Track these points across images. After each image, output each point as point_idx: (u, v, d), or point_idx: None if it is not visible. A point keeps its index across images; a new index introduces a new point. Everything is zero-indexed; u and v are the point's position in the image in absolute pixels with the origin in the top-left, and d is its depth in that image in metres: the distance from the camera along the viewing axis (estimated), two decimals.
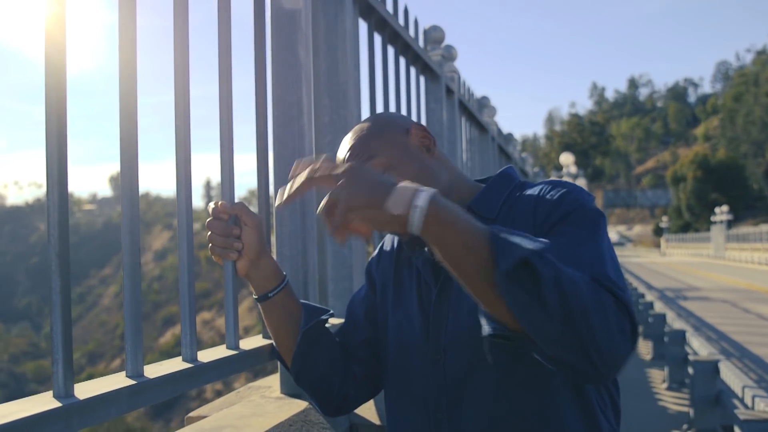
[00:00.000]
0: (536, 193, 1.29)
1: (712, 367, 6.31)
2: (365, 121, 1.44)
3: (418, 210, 1.01)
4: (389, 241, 1.57)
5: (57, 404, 0.99)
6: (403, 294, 1.43)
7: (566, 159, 29.40)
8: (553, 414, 1.24)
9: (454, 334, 1.29)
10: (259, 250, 1.44)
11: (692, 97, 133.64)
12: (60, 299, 1.03)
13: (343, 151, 1.41)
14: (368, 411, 1.81)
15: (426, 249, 1.39)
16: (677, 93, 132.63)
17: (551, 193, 1.26)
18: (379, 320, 1.50)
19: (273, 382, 1.97)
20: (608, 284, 1.05)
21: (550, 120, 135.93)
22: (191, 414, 1.79)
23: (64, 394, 1.03)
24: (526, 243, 0.99)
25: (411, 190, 1.03)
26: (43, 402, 1.00)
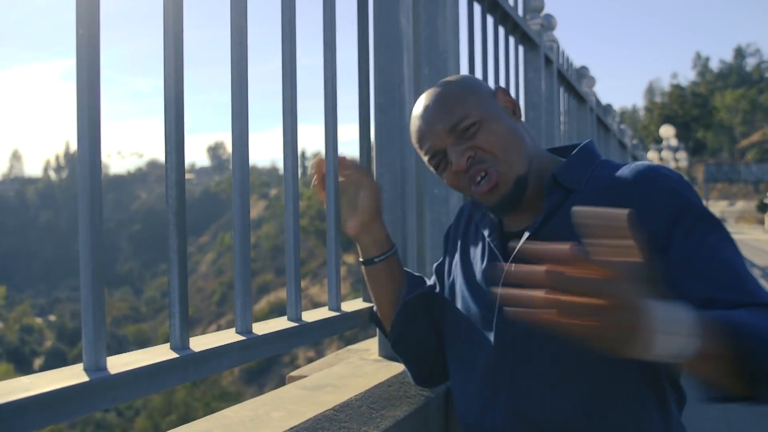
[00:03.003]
0: (632, 180, 1.23)
1: None
2: (446, 82, 1.40)
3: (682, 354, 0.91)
4: (458, 212, 1.58)
5: (174, 355, 1.05)
6: (467, 265, 1.44)
7: (666, 131, 28.56)
8: (623, 399, 1.22)
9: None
10: (373, 215, 1.48)
11: None
12: (177, 257, 1.09)
13: (431, 110, 1.35)
14: None
15: (493, 216, 1.39)
16: None
17: (657, 189, 1.19)
18: (447, 289, 1.51)
19: (371, 345, 2.02)
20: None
21: (650, 91, 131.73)
22: (292, 373, 1.86)
23: (180, 346, 1.09)
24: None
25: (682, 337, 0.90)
26: (162, 353, 1.06)
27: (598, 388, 1.22)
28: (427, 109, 1.36)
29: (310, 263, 63.73)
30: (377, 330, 1.89)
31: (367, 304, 1.69)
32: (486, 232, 1.39)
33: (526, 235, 1.28)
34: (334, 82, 1.57)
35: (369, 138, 1.76)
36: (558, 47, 4.05)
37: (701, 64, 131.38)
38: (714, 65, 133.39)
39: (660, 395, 1.25)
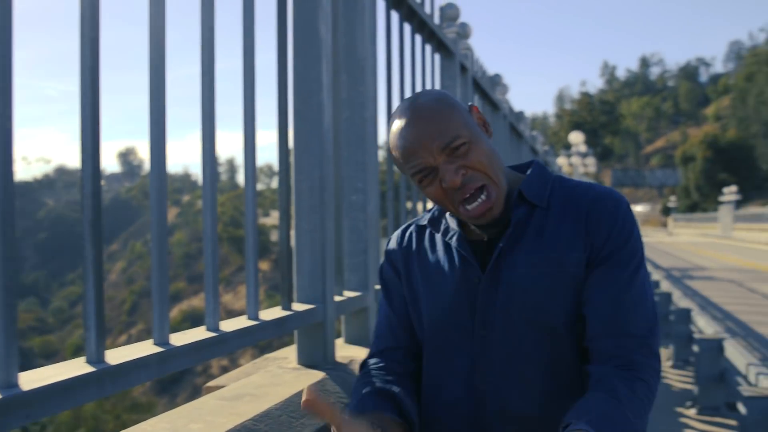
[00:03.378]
0: (589, 199, 1.37)
1: (717, 346, 6.32)
2: (431, 99, 1.38)
3: None
4: (396, 238, 1.56)
5: (90, 369, 1.03)
6: (435, 277, 1.45)
7: (576, 138, 29.30)
8: None
9: (506, 311, 1.33)
10: None
11: (704, 77, 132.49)
12: (93, 268, 1.06)
13: (422, 128, 1.34)
14: None
15: (446, 221, 1.43)
16: (689, 72, 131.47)
17: (608, 210, 1.35)
18: (410, 309, 1.50)
19: (289, 353, 2.01)
20: (651, 346, 1.28)
21: (560, 99, 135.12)
22: (209, 384, 1.83)
23: (96, 359, 1.07)
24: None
25: None
26: (77, 367, 1.03)
27: (564, 385, 1.33)
28: (417, 126, 1.35)
29: (224, 270, 62.71)
30: (295, 337, 1.89)
31: (286, 312, 1.68)
32: (455, 244, 1.42)
33: (500, 246, 1.36)
34: (253, 89, 1.56)
35: (287, 144, 1.76)
36: (472, 55, 4.12)
37: (609, 72, 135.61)
38: (621, 74, 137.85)
39: None
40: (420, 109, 1.36)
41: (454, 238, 1.43)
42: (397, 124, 1.38)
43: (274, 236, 64.86)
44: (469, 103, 1.42)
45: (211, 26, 1.40)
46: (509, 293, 1.33)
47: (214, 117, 1.40)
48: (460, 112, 1.37)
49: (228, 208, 58.04)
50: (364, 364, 1.47)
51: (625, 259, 1.33)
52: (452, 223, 1.46)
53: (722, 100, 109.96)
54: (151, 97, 1.22)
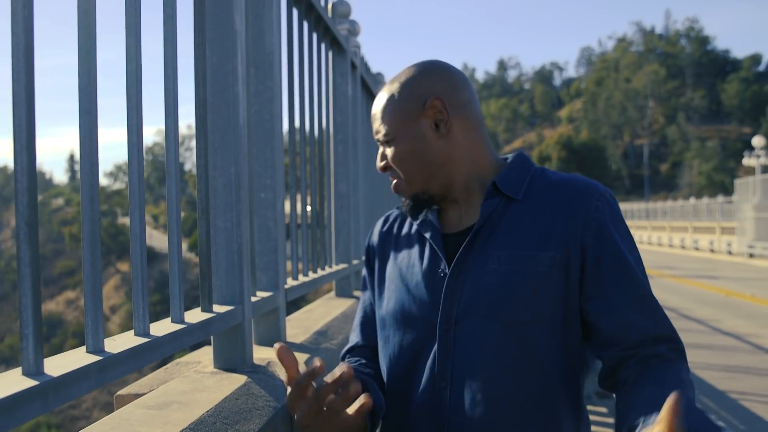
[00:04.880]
0: (570, 193, 1.34)
1: None
2: (398, 82, 1.45)
3: None
4: (381, 222, 1.58)
5: (33, 382, 0.93)
6: (404, 267, 1.44)
7: None
8: (549, 398, 1.31)
9: (470, 307, 1.31)
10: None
11: (557, 81, 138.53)
12: (30, 271, 0.97)
13: (373, 109, 1.47)
14: None
15: (426, 212, 1.43)
16: (544, 76, 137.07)
17: (592, 206, 1.31)
18: (376, 296, 1.49)
19: (202, 357, 1.92)
20: (677, 340, 1.27)
21: None
22: (121, 392, 1.72)
23: (36, 371, 0.97)
24: None
25: None
26: (16, 380, 0.94)
27: (528, 388, 1.29)
28: (375, 102, 1.48)
29: (81, 272, 59.96)
30: (211, 339, 1.81)
31: (207, 314, 1.60)
32: (428, 234, 1.40)
33: (466, 240, 1.35)
34: (175, 79, 1.48)
35: (206, 140, 1.68)
36: (360, 53, 4.11)
37: (468, 74, 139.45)
38: (480, 76, 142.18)
39: (575, 394, 1.35)
40: (385, 88, 1.46)
41: (428, 228, 1.42)
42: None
43: None
44: (430, 98, 1.39)
45: (137, 12, 1.31)
46: (475, 289, 1.31)
47: (141, 109, 1.31)
48: (406, 106, 1.39)
49: None
50: (343, 357, 1.55)
51: (625, 256, 1.29)
52: (430, 214, 1.45)
53: (575, 103, 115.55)
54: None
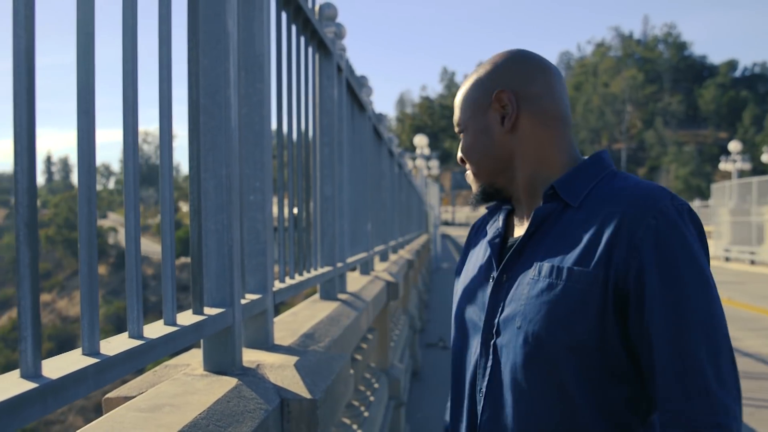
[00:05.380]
0: (624, 203, 1.18)
1: None
2: (485, 67, 1.43)
3: None
4: (479, 220, 1.56)
5: (32, 385, 0.93)
6: (471, 269, 1.44)
7: (420, 141, 30.01)
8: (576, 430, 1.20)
9: (509, 317, 1.26)
10: None
11: None
12: (29, 273, 0.96)
13: (457, 95, 1.46)
14: (297, 385, 1.80)
15: (498, 212, 1.43)
16: None
17: (646, 222, 1.13)
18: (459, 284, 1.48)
19: (189, 360, 1.92)
20: (721, 399, 1.07)
21: (401, 102, 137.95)
22: (110, 395, 1.71)
23: (34, 373, 0.97)
24: None
25: None
26: (14, 383, 0.93)
27: (552, 416, 1.20)
28: (463, 85, 1.46)
29: (57, 275, 59.56)
30: (201, 342, 1.81)
31: (199, 317, 1.60)
32: (489, 237, 1.40)
33: (514, 247, 1.31)
34: (169, 82, 1.47)
35: (199, 142, 1.68)
36: (345, 56, 4.11)
37: (448, 78, 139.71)
38: (459, 79, 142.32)
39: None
40: (467, 80, 1.46)
41: (493, 230, 1.41)
42: None
43: (112, 239, 62.26)
44: (496, 90, 1.36)
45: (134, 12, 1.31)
46: (514, 299, 1.25)
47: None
48: (479, 97, 1.39)
49: (63, 210, 55.08)
50: None
51: (670, 292, 1.10)
52: (501, 214, 1.43)
53: None
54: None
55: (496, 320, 1.29)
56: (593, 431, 1.18)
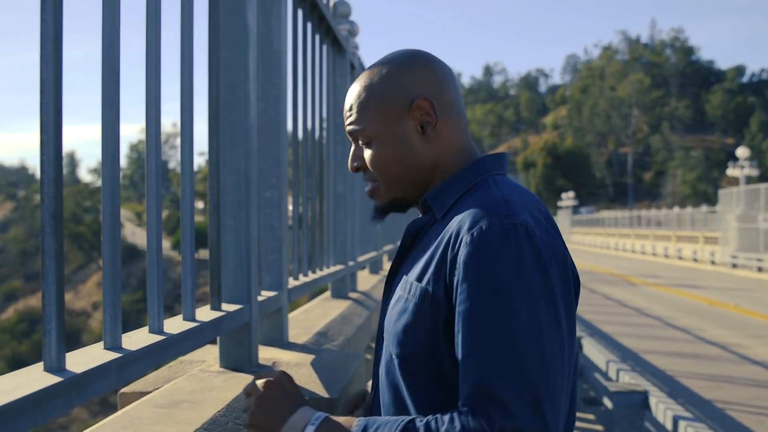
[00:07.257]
0: (460, 218, 1.15)
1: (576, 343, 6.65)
2: (388, 69, 1.28)
3: None
4: None
5: (56, 379, 0.92)
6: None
7: None
8: None
9: (381, 331, 1.27)
10: None
11: (543, 87, 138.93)
12: (54, 265, 0.95)
13: (348, 100, 1.29)
14: (314, 384, 1.78)
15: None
16: (529, 82, 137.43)
17: (467, 238, 1.11)
18: None
19: (205, 356, 1.90)
20: (486, 406, 1.02)
21: None
22: (125, 390, 1.70)
23: (58, 367, 0.96)
24: None
25: (301, 424, 1.10)
26: (39, 377, 0.92)
27: (399, 404, 1.19)
28: (349, 93, 1.29)
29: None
30: (218, 339, 1.79)
31: (217, 313, 1.58)
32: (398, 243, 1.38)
33: (394, 260, 1.32)
34: (191, 77, 1.46)
35: (218, 137, 1.66)
36: (358, 54, 4.10)
37: None
38: (465, 81, 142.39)
39: None
40: (366, 75, 1.29)
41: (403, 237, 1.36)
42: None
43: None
44: (416, 97, 1.24)
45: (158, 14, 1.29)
46: (388, 312, 1.24)
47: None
48: (389, 104, 1.25)
49: (69, 204, 55.08)
50: None
51: (466, 310, 1.08)
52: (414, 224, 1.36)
53: (560, 110, 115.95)
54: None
55: (381, 331, 1.28)
56: None
